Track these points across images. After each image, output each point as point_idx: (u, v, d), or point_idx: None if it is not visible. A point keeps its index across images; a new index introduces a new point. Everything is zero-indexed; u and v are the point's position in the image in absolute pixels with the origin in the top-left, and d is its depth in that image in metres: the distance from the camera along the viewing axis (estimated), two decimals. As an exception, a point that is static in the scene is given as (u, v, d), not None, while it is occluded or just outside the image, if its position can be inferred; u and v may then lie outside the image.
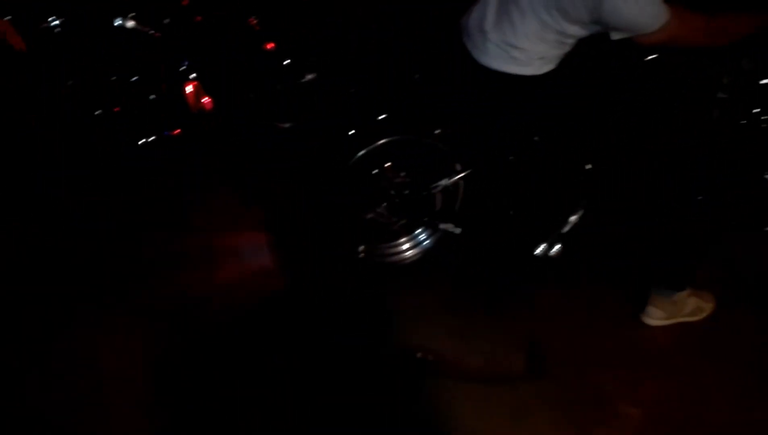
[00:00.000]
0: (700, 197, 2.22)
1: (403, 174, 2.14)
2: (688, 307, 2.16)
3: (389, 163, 2.12)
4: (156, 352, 2.13)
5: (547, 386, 1.97)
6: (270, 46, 3.05)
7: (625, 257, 2.40)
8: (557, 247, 2.08)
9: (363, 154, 2.08)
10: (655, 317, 2.16)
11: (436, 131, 2.03)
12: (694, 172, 2.15)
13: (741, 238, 2.49)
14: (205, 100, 2.96)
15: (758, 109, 2.06)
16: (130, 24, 2.70)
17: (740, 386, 1.96)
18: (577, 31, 1.74)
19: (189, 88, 2.95)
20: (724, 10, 1.76)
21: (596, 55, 1.83)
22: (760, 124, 2.11)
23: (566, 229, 2.05)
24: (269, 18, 3.05)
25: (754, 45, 2.03)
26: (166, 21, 2.87)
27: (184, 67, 2.93)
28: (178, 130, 2.98)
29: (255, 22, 3.01)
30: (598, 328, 2.18)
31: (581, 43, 1.81)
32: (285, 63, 3.07)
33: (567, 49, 1.81)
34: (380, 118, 2.00)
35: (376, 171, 2.13)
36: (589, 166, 2.01)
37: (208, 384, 2.02)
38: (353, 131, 2.03)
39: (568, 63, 1.85)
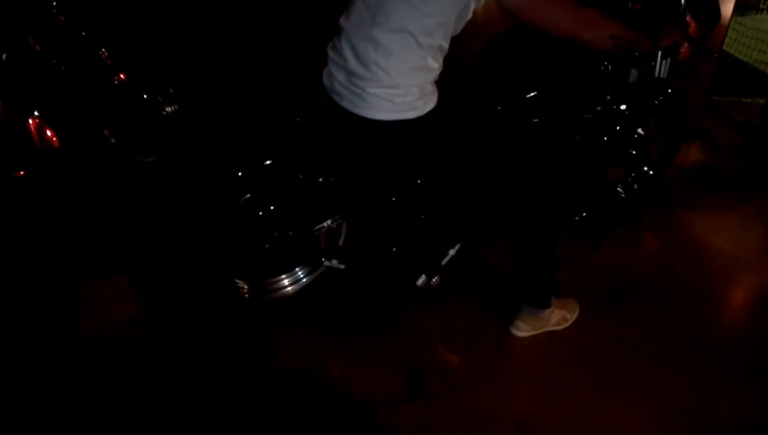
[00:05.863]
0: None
1: (287, 216, 2.15)
2: (554, 319, 2.34)
3: (273, 206, 2.13)
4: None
5: (429, 406, 2.06)
6: (122, 78, 2.91)
7: (492, 277, 2.61)
8: (436, 277, 2.19)
9: (249, 198, 2.08)
10: (523, 330, 2.32)
11: (320, 178, 2.07)
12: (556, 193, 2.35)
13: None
14: (51, 137, 2.75)
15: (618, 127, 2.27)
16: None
17: (599, 388, 2.16)
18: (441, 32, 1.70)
19: (32, 125, 2.71)
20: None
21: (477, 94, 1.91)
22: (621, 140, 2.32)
23: (445, 260, 2.16)
24: (121, 50, 2.90)
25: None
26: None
27: (25, 103, 2.70)
28: (22, 172, 2.73)
29: (105, 55, 2.85)
30: (471, 345, 2.32)
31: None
32: (140, 95, 2.95)
33: (435, 76, 1.82)
34: (267, 163, 2.01)
35: (261, 213, 2.13)
36: (467, 201, 2.11)
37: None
38: (240, 174, 2.02)
39: (447, 102, 1.89)
